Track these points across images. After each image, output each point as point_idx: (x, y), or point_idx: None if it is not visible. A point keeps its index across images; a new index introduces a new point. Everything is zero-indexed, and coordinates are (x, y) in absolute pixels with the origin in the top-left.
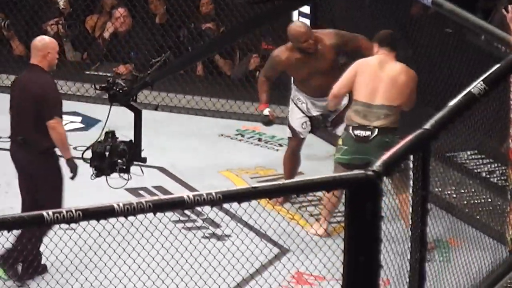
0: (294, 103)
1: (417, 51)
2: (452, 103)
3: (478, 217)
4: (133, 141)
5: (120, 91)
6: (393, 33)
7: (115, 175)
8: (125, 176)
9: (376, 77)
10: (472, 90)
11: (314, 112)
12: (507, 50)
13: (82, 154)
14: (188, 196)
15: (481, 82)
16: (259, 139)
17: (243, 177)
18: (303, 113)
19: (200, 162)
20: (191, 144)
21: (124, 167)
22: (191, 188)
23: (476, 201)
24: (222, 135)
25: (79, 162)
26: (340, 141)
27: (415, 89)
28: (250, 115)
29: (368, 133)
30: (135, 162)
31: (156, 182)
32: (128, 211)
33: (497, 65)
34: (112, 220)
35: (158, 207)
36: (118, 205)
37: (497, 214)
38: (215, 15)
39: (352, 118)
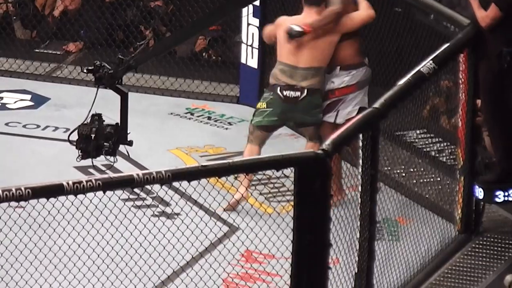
0: None
1: (366, 30)
2: (401, 82)
3: (427, 196)
4: (118, 124)
5: (106, 74)
6: None
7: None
8: (111, 158)
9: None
10: (421, 69)
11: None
12: (456, 29)
13: (68, 136)
14: (137, 175)
15: (431, 61)
16: (209, 118)
17: (192, 156)
18: None
19: (150, 141)
20: (140, 123)
21: (110, 150)
22: (140, 167)
23: (425, 180)
24: (171, 113)
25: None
26: (263, 104)
27: (350, 15)
28: (199, 94)
29: (297, 93)
30: (121, 145)
31: (106, 160)
32: (78, 189)
33: (446, 45)
34: (62, 198)
35: (108, 185)
36: (68, 183)
37: (446, 194)
38: None
39: (279, 77)
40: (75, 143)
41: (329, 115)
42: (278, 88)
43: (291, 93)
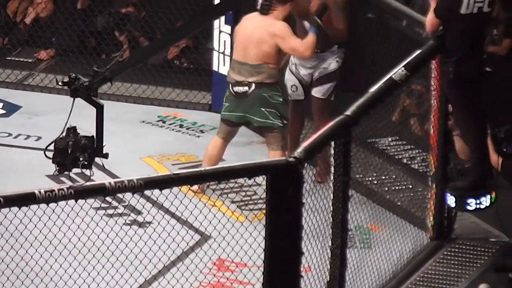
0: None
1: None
2: (374, 89)
3: (399, 203)
4: (94, 136)
5: (81, 86)
6: None
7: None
8: (87, 172)
9: (246, 36)
10: (393, 76)
11: (304, 71)
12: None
13: (44, 150)
14: (109, 183)
15: (402, 68)
16: (181, 126)
17: (164, 164)
18: (293, 74)
19: (122, 149)
20: (112, 130)
21: (86, 162)
22: (112, 175)
23: (397, 188)
24: (143, 121)
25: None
26: (224, 99)
27: (287, 38)
28: (171, 101)
29: (246, 88)
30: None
31: (77, 168)
32: (50, 197)
33: (418, 51)
34: (34, 206)
35: (80, 193)
36: (39, 191)
37: (418, 201)
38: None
39: (230, 75)
40: (51, 157)
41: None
42: (230, 85)
43: (240, 88)
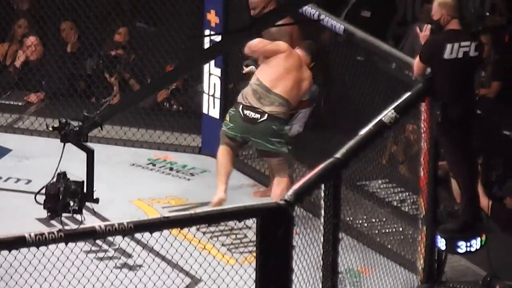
0: None
1: (329, 78)
2: (363, 131)
3: (389, 246)
4: (84, 181)
5: (71, 131)
6: (313, 44)
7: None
8: (78, 217)
9: (287, 68)
10: (383, 118)
11: None
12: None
13: (35, 196)
14: (99, 226)
15: (392, 111)
16: (171, 168)
17: (154, 207)
18: None
19: (112, 192)
20: (102, 173)
21: (77, 208)
22: (102, 218)
23: (387, 230)
24: (133, 164)
25: None
26: (227, 117)
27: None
28: (161, 144)
29: (258, 116)
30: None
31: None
32: (40, 241)
33: (408, 93)
34: (24, 250)
35: (70, 237)
36: (30, 235)
37: (408, 243)
38: (126, 43)
39: (247, 97)
40: (42, 203)
41: None
42: (241, 106)
43: (251, 114)
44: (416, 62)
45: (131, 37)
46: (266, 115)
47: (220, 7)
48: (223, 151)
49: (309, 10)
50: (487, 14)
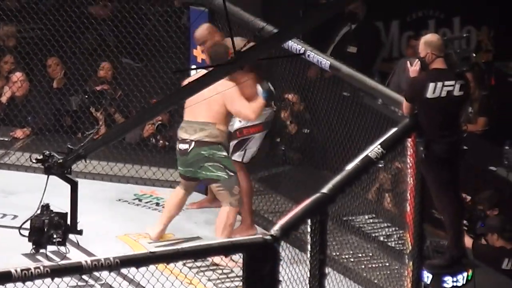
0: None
1: (315, 114)
2: (350, 166)
3: (376, 281)
4: (68, 213)
5: (55, 163)
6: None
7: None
8: (63, 249)
9: (196, 96)
10: (369, 154)
11: None
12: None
13: (19, 229)
14: (86, 261)
15: (378, 146)
16: (157, 204)
17: (140, 242)
18: None
19: (98, 227)
20: (88, 209)
21: (60, 239)
22: (88, 253)
23: (373, 265)
24: (120, 199)
25: None
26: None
27: (235, 101)
28: (147, 179)
29: (186, 146)
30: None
31: (53, 246)
32: (26, 276)
33: (394, 129)
34: (10, 285)
35: (56, 272)
36: (16, 270)
37: (395, 278)
38: (112, 78)
39: (178, 133)
40: (26, 235)
41: (237, 154)
42: (177, 143)
43: (182, 146)
44: (404, 101)
45: (117, 72)
46: (193, 143)
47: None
48: (175, 192)
49: (295, 45)
50: (474, 55)
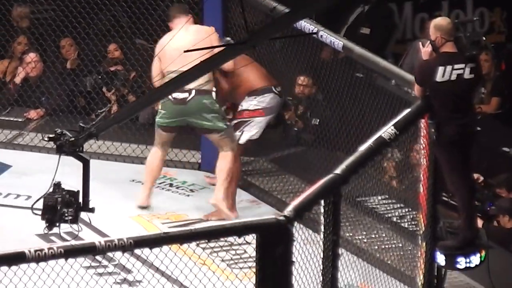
0: None
1: (328, 95)
2: (363, 148)
3: (389, 262)
4: (79, 191)
5: (67, 142)
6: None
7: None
8: (75, 227)
9: (184, 46)
10: (382, 135)
11: None
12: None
13: (32, 206)
14: (99, 242)
15: (392, 127)
16: (170, 185)
17: (154, 223)
18: None
19: (111, 207)
20: (101, 190)
21: (72, 217)
22: (102, 234)
23: (387, 246)
24: (133, 180)
25: None
26: (160, 106)
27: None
28: None
29: (186, 95)
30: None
31: (67, 227)
32: (39, 257)
33: (407, 110)
34: (24, 266)
35: (69, 253)
36: (29, 251)
37: (408, 259)
38: (125, 60)
39: None
40: (39, 214)
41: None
42: None
43: (180, 95)
44: (415, 84)
45: (130, 53)
46: (194, 91)
47: (219, 22)
48: (154, 154)
49: (308, 26)
50: (484, 39)
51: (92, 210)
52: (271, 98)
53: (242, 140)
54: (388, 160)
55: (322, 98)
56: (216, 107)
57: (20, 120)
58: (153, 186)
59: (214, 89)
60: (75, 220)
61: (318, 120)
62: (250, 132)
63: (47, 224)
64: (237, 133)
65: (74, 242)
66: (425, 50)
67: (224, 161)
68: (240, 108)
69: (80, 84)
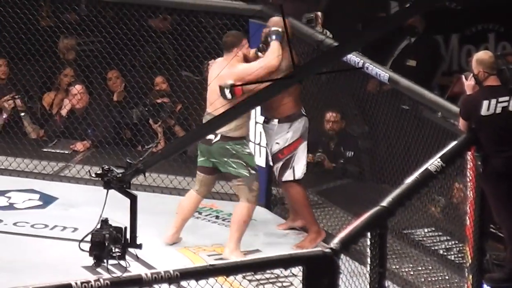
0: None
1: (374, 127)
2: (409, 180)
3: None
4: (127, 227)
5: (114, 178)
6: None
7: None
8: (122, 263)
9: (211, 89)
10: (429, 167)
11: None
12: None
13: (79, 243)
14: (146, 274)
15: (438, 159)
16: (217, 217)
17: (200, 255)
18: None
19: (157, 240)
20: (148, 221)
21: (120, 254)
22: (148, 266)
23: (433, 279)
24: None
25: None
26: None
27: (246, 68)
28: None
29: (212, 136)
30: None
31: (114, 260)
32: None
33: (454, 142)
34: None
35: (116, 284)
36: (76, 283)
37: None
38: (172, 92)
39: None
40: (86, 250)
41: (286, 173)
42: None
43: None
44: (460, 119)
45: (177, 85)
46: (219, 135)
47: None
48: (188, 194)
49: (354, 58)
50: None
51: (139, 247)
52: (305, 121)
53: (297, 176)
54: (430, 203)
55: (368, 129)
56: (240, 153)
57: (66, 152)
58: (182, 226)
59: (241, 134)
60: (122, 256)
61: (352, 153)
62: (300, 163)
63: (95, 261)
64: (289, 171)
65: (121, 274)
66: (468, 84)
67: (238, 212)
68: (277, 147)
69: (127, 116)
